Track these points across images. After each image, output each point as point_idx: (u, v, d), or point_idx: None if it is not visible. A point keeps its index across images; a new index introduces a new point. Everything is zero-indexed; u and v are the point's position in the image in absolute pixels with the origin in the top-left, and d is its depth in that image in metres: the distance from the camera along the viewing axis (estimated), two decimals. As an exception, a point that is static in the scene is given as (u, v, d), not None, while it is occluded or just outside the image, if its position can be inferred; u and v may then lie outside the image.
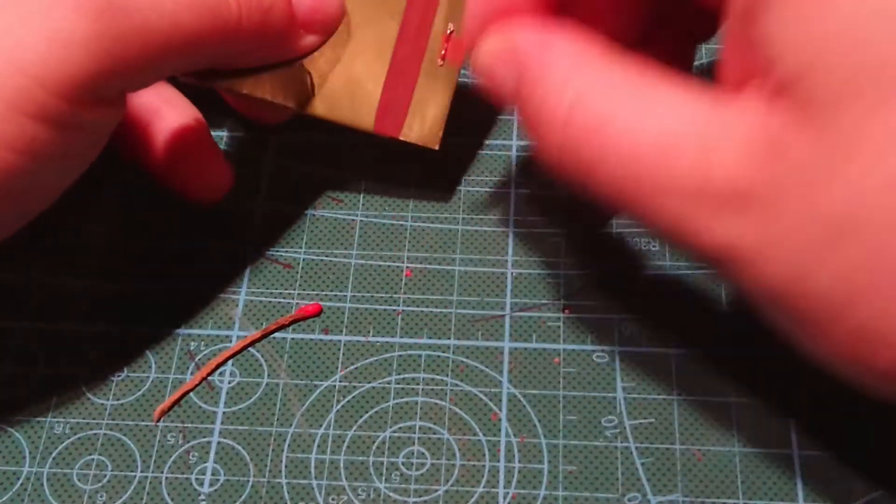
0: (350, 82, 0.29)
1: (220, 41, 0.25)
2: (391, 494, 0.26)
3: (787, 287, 0.21)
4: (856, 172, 0.19)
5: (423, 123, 0.30)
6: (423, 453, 0.27)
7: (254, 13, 0.26)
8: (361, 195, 0.32)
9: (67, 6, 0.22)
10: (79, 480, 0.27)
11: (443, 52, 0.30)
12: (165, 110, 0.30)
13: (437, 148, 0.30)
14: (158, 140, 0.30)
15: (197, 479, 0.27)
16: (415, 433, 0.27)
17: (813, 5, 0.19)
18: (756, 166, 0.20)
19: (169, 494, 0.27)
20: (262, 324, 0.29)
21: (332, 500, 0.26)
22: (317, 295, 0.30)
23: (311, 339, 0.29)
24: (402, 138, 0.30)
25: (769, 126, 0.20)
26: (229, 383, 0.28)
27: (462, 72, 0.30)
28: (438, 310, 0.30)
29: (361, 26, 0.30)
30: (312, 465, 0.27)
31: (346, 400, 0.28)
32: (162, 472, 0.27)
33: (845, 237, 0.19)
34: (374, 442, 0.27)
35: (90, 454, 0.27)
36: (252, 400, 0.28)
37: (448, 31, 0.29)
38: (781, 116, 0.20)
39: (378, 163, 0.32)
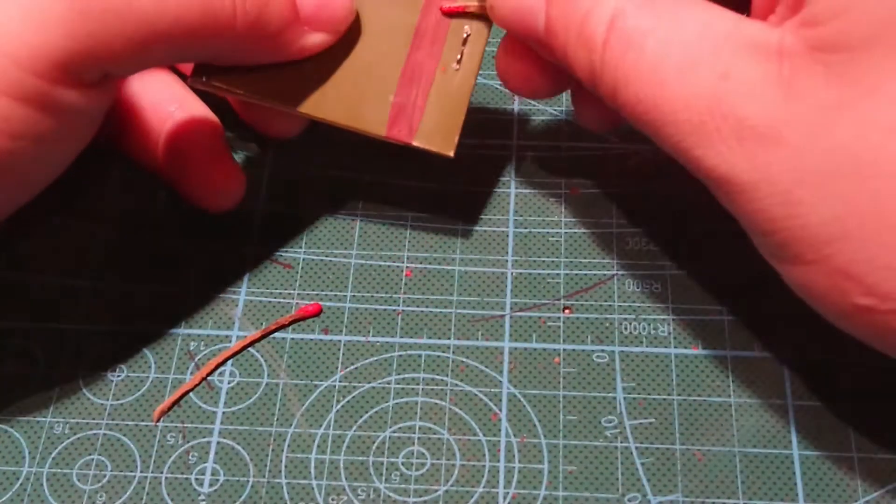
0: (361, 86, 0.29)
1: (211, 33, 0.25)
2: (391, 494, 0.26)
3: (776, 222, 0.22)
4: (867, 113, 0.20)
5: (438, 129, 0.28)
6: (423, 453, 0.27)
7: (250, 7, 0.25)
8: (361, 195, 0.32)
9: None
10: (78, 480, 0.27)
11: (458, 56, 0.29)
12: (180, 115, 0.30)
13: (451, 155, 0.29)
14: (172, 144, 0.30)
15: (197, 479, 0.27)
16: (415, 433, 0.27)
17: None
18: (768, 100, 0.21)
19: (169, 494, 0.27)
20: (262, 324, 0.29)
21: (332, 500, 0.26)
22: (317, 295, 0.30)
23: (311, 339, 0.29)
24: (415, 144, 0.29)
25: (790, 58, 0.21)
26: (229, 383, 0.28)
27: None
28: (438, 310, 0.30)
29: (374, 28, 0.29)
30: (312, 465, 0.27)
31: (346, 400, 0.28)
32: (162, 473, 0.27)
33: (844, 176, 0.20)
34: (374, 442, 0.27)
35: (90, 454, 0.27)
36: (252, 400, 0.28)
37: (465, 35, 0.29)
38: (804, 51, 0.21)
39: (378, 162, 0.32)
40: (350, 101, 0.28)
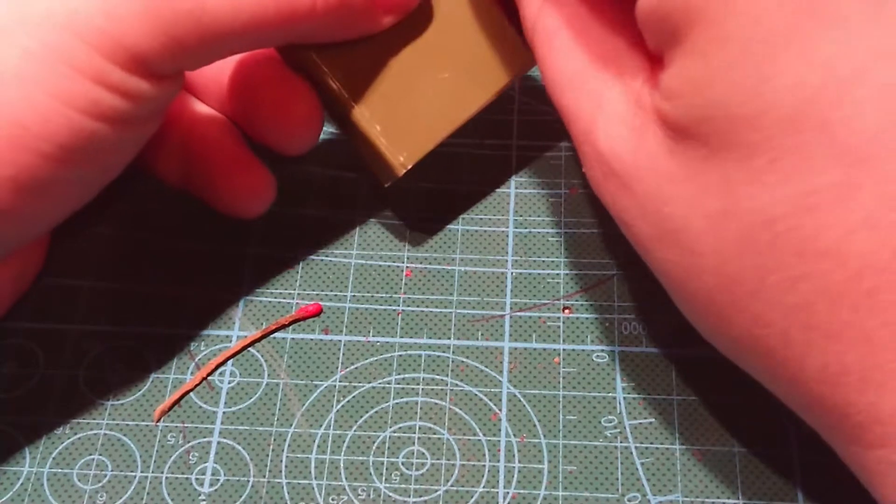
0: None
1: (290, 24, 0.25)
2: (391, 494, 0.26)
3: (640, 252, 0.23)
4: (690, 195, 0.21)
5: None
6: (423, 453, 0.27)
7: None
8: (361, 195, 0.32)
9: None
10: (79, 480, 0.27)
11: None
12: (198, 124, 0.29)
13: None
14: (195, 154, 0.29)
15: (197, 479, 0.27)
16: (415, 433, 0.27)
17: (707, 42, 0.20)
18: (622, 146, 0.22)
19: (169, 494, 0.27)
20: (262, 324, 0.29)
21: (332, 500, 0.26)
22: (317, 295, 0.30)
23: (311, 339, 0.29)
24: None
25: (643, 111, 0.22)
26: (229, 383, 0.28)
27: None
28: (438, 310, 0.30)
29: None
30: (312, 465, 0.27)
31: (346, 400, 0.28)
32: (162, 472, 0.27)
33: (676, 242, 0.22)
34: (374, 442, 0.27)
35: (90, 454, 0.27)
36: (252, 400, 0.28)
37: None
38: (654, 112, 0.22)
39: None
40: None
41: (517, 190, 0.32)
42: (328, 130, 0.30)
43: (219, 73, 0.29)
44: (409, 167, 0.28)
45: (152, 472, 0.27)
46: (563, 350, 0.29)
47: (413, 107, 0.28)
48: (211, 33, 0.23)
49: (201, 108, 0.30)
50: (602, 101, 0.23)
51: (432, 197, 0.32)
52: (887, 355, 0.19)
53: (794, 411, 0.22)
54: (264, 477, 0.27)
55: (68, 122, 0.22)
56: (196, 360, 0.29)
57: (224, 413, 0.28)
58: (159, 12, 0.22)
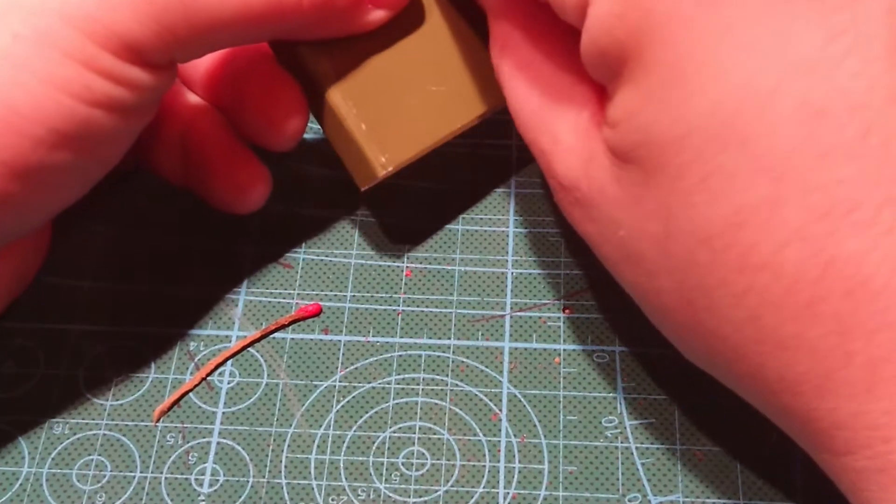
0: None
1: (277, 17, 0.25)
2: (391, 495, 0.26)
3: (611, 272, 0.24)
4: (637, 219, 0.22)
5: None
6: (423, 453, 0.27)
7: None
8: (361, 195, 0.32)
9: None
10: (78, 481, 0.27)
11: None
12: (195, 119, 0.29)
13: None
14: (192, 149, 0.29)
15: (196, 479, 0.27)
16: (415, 433, 0.27)
17: (633, 76, 0.21)
18: (577, 175, 0.23)
19: (168, 495, 0.27)
20: (261, 324, 0.29)
21: (332, 500, 0.26)
22: (317, 295, 0.30)
23: (311, 339, 0.29)
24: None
25: (590, 139, 0.23)
26: (229, 383, 0.28)
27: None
28: (438, 310, 0.30)
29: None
30: (312, 465, 0.27)
31: (346, 400, 0.28)
32: (161, 473, 0.27)
33: (634, 264, 0.23)
34: (374, 442, 0.27)
35: (89, 454, 0.27)
36: (252, 400, 0.28)
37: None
38: (601, 140, 0.23)
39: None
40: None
41: (517, 190, 0.32)
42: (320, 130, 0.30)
43: (212, 66, 0.29)
44: (390, 170, 0.27)
45: (151, 472, 0.27)
46: (564, 350, 0.29)
47: (400, 113, 0.27)
48: (200, 23, 0.23)
49: (199, 104, 0.30)
50: (557, 136, 0.24)
51: (432, 197, 0.32)
52: (832, 363, 0.20)
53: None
54: (264, 477, 0.27)
55: (60, 106, 0.22)
56: (195, 360, 0.29)
57: (224, 413, 0.28)
58: (150, 0, 0.23)
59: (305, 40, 0.27)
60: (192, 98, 0.30)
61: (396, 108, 0.28)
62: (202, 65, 0.29)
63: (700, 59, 0.20)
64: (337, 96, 0.27)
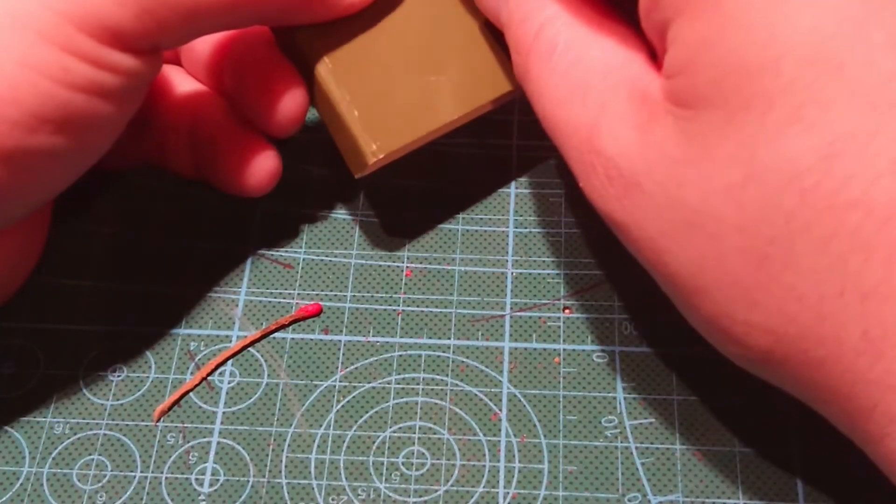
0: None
1: (260, 2, 0.25)
2: (391, 495, 0.26)
3: (650, 265, 0.22)
4: (706, 173, 0.20)
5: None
6: (423, 453, 0.27)
7: None
8: (361, 195, 0.32)
9: None
10: (78, 480, 0.27)
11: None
12: (199, 105, 0.29)
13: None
14: (199, 134, 0.29)
15: (197, 479, 0.27)
16: (415, 433, 0.27)
17: (705, 3, 0.20)
18: (628, 144, 0.21)
19: (169, 495, 0.27)
20: (262, 324, 0.29)
21: (332, 500, 0.26)
22: (317, 295, 0.30)
23: (311, 339, 0.29)
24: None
25: (650, 105, 0.21)
26: (229, 383, 0.28)
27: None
28: (438, 310, 0.30)
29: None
30: (312, 465, 0.27)
31: (346, 400, 0.28)
32: (162, 473, 0.27)
33: (694, 232, 0.20)
34: (374, 442, 0.27)
35: (90, 454, 0.27)
36: (252, 400, 0.28)
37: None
38: (661, 100, 0.21)
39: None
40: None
41: (517, 190, 0.32)
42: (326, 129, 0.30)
43: (212, 52, 0.29)
44: (381, 157, 0.27)
45: (152, 472, 0.27)
46: (564, 350, 0.29)
47: (395, 101, 0.27)
48: (183, 7, 0.23)
49: (202, 91, 0.30)
50: (607, 107, 0.22)
51: (432, 197, 0.32)
52: None
53: (817, 408, 0.22)
54: (264, 477, 0.27)
55: (36, 89, 0.22)
56: (196, 360, 0.29)
57: (224, 413, 0.28)
58: None
59: (301, 25, 0.27)
60: (196, 86, 0.30)
61: (392, 95, 0.27)
62: (203, 51, 0.29)
63: None
64: (331, 82, 0.27)
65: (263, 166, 0.29)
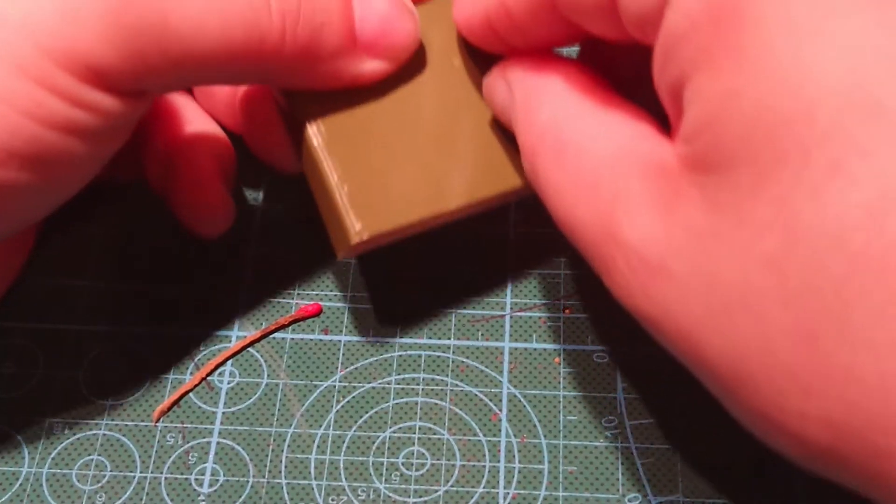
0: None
1: (256, 57, 0.23)
2: (391, 495, 0.26)
3: (687, 359, 0.20)
4: (740, 242, 0.18)
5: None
6: (423, 454, 0.27)
7: (301, 31, 0.23)
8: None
9: None
10: (78, 481, 0.27)
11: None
12: (180, 134, 0.29)
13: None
14: (166, 163, 0.29)
15: (196, 479, 0.27)
16: (415, 433, 0.27)
17: (727, 54, 0.18)
18: (651, 226, 0.19)
19: (168, 495, 0.27)
20: (261, 324, 0.29)
21: (332, 500, 0.26)
22: (317, 295, 0.30)
23: (311, 339, 0.29)
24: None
25: (671, 179, 0.20)
26: (229, 383, 0.28)
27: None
28: (439, 310, 0.30)
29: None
30: (312, 465, 0.27)
31: (346, 400, 0.28)
32: (161, 473, 0.27)
33: (734, 312, 0.18)
34: (373, 442, 0.27)
35: (89, 454, 0.27)
36: (252, 400, 0.28)
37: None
38: (682, 171, 0.19)
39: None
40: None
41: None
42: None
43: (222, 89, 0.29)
44: (365, 238, 0.25)
45: (151, 472, 0.27)
46: (564, 350, 0.29)
47: (391, 182, 0.25)
48: (175, 53, 0.22)
49: (192, 119, 0.29)
50: (620, 195, 0.20)
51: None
52: None
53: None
54: (264, 477, 0.27)
55: (6, 122, 0.21)
56: (195, 360, 0.29)
57: (223, 413, 0.28)
58: (119, 21, 0.21)
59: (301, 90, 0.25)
60: (188, 111, 0.30)
61: (387, 176, 0.25)
62: (155, 151, 0.29)
63: (817, 25, 0.17)
64: (322, 152, 0.25)
65: (211, 216, 0.28)
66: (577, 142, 0.22)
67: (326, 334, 0.29)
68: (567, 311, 0.29)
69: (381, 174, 0.25)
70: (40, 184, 0.23)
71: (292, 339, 0.29)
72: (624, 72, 0.24)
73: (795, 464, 0.19)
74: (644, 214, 0.20)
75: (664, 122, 0.21)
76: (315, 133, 0.25)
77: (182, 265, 0.30)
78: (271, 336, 0.29)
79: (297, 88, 0.25)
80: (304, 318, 0.30)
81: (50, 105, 0.21)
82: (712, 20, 0.18)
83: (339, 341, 0.29)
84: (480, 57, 0.26)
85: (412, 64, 0.26)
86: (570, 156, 0.22)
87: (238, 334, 0.29)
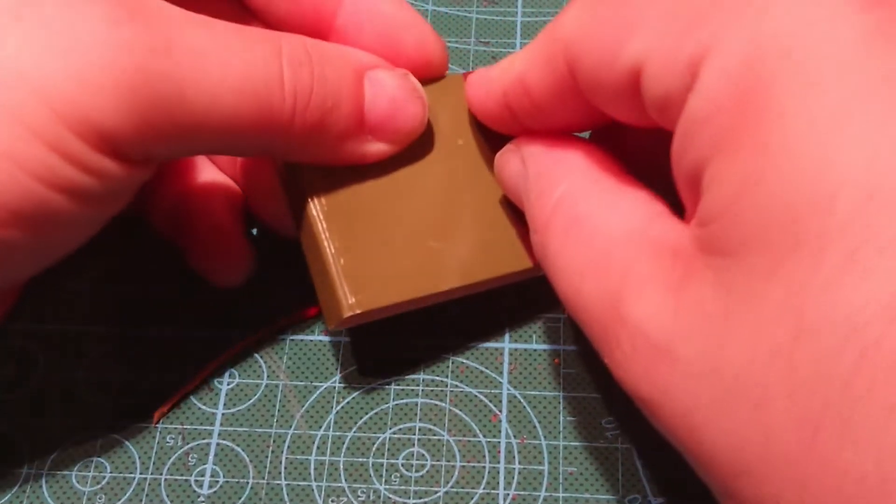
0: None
1: (265, 133, 0.23)
2: (391, 496, 0.26)
3: (683, 445, 0.20)
4: (751, 329, 0.18)
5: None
6: (423, 455, 0.27)
7: (312, 112, 0.23)
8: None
9: (104, 55, 0.21)
10: (77, 482, 0.27)
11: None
12: (192, 184, 0.29)
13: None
14: (180, 213, 0.29)
15: (196, 480, 0.27)
16: (415, 434, 0.27)
17: (749, 140, 0.18)
18: (659, 307, 0.19)
19: (168, 496, 0.27)
20: (261, 324, 0.29)
21: (332, 501, 0.26)
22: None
23: (311, 340, 0.29)
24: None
25: (684, 261, 0.19)
26: (229, 384, 0.28)
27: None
28: (438, 310, 0.30)
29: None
30: (312, 466, 0.27)
31: (346, 401, 0.28)
32: (161, 474, 0.27)
33: (737, 399, 0.18)
34: (373, 443, 0.27)
35: (89, 456, 0.27)
36: (251, 401, 0.28)
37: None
38: (696, 254, 0.19)
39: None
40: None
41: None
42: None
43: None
44: (358, 312, 0.24)
45: (151, 473, 0.27)
46: (564, 351, 0.29)
47: (386, 258, 0.25)
48: (187, 124, 0.22)
49: (201, 167, 0.30)
50: (630, 273, 0.20)
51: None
52: None
53: None
54: (264, 479, 0.27)
55: (16, 183, 0.21)
56: (196, 361, 0.29)
57: (223, 414, 0.28)
58: (136, 93, 0.21)
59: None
60: (197, 159, 0.30)
61: (386, 252, 0.25)
62: (165, 201, 0.29)
63: (843, 115, 0.17)
64: (321, 224, 0.25)
65: (232, 264, 0.29)
66: (591, 218, 0.22)
67: (326, 335, 0.29)
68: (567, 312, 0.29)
69: (378, 249, 0.25)
70: (38, 244, 0.23)
71: (292, 339, 0.29)
72: (635, 157, 0.24)
73: None
74: (653, 293, 0.20)
75: (677, 209, 0.21)
76: (315, 203, 0.25)
77: (182, 266, 0.30)
78: (271, 337, 0.29)
79: (302, 163, 0.25)
80: (304, 319, 0.30)
81: (60, 170, 0.21)
82: (736, 107, 0.18)
83: (339, 342, 0.29)
84: (488, 137, 0.27)
85: (418, 142, 0.26)
86: (582, 231, 0.22)
87: (238, 335, 0.29)
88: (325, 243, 0.25)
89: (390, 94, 0.25)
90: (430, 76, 0.26)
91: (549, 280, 0.23)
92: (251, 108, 0.22)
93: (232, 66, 0.22)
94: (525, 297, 0.30)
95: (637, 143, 0.25)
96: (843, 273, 0.16)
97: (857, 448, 0.16)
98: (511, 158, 0.25)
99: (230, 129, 0.22)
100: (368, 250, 0.25)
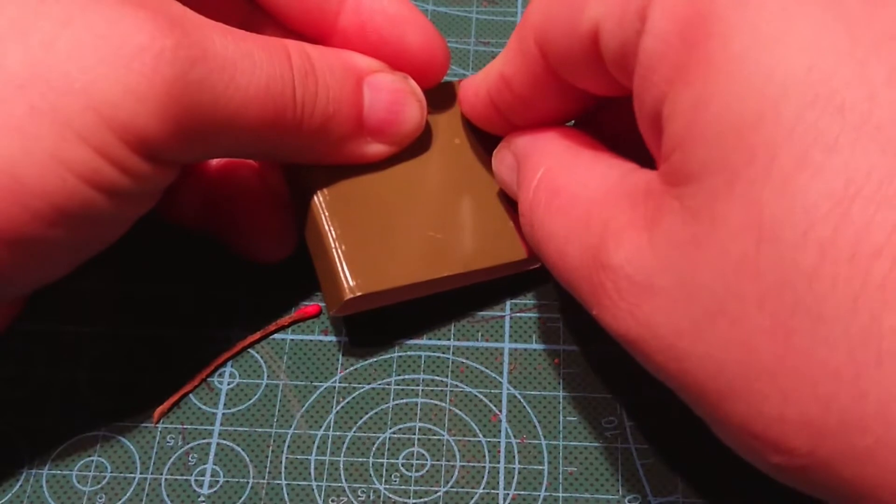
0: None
1: (278, 137, 0.25)
2: (391, 496, 0.26)
3: (672, 380, 0.20)
4: (717, 247, 0.18)
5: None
6: (423, 454, 0.27)
7: (315, 117, 0.25)
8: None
9: (148, 64, 0.22)
10: (78, 482, 0.27)
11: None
12: (223, 167, 0.30)
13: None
14: (217, 198, 0.29)
15: (196, 480, 0.27)
16: (415, 434, 0.27)
17: (697, 67, 0.18)
18: (636, 246, 0.20)
19: (168, 496, 0.27)
20: (261, 324, 0.29)
21: (332, 501, 0.26)
22: (317, 295, 0.30)
23: (311, 340, 0.29)
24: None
25: (653, 198, 0.20)
26: (229, 384, 0.28)
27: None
28: (439, 310, 0.30)
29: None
30: (312, 466, 0.27)
31: (346, 401, 0.28)
32: (161, 474, 0.27)
33: (715, 319, 0.18)
34: (373, 443, 0.27)
35: (89, 455, 0.27)
36: (252, 401, 0.28)
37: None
38: (663, 188, 0.20)
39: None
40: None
41: (517, 190, 0.32)
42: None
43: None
44: (358, 295, 0.25)
45: (151, 473, 0.27)
46: (564, 351, 0.29)
47: (387, 247, 0.26)
48: (216, 129, 0.23)
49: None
50: (609, 224, 0.21)
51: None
52: None
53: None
54: (264, 478, 0.27)
55: (64, 184, 0.22)
56: (196, 360, 0.29)
57: (223, 414, 0.28)
58: (177, 101, 0.22)
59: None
60: None
61: (386, 241, 0.26)
62: (197, 188, 0.30)
63: (781, 27, 0.18)
64: (324, 213, 0.26)
65: (281, 237, 0.29)
66: (569, 186, 0.23)
67: (326, 335, 0.29)
68: (567, 311, 0.29)
69: (379, 238, 0.26)
70: (76, 243, 0.24)
71: (292, 339, 0.29)
72: (615, 140, 0.25)
73: (782, 482, 0.19)
74: (630, 236, 0.20)
75: (650, 166, 0.22)
76: (318, 196, 0.26)
77: (182, 265, 0.30)
78: (271, 337, 0.29)
79: (307, 163, 0.27)
80: (303, 319, 0.30)
81: (104, 171, 0.22)
82: (683, 38, 0.19)
83: (339, 342, 0.29)
84: (481, 138, 0.29)
85: (417, 141, 0.27)
86: (563, 200, 0.23)
87: (238, 335, 0.29)
88: (327, 230, 0.26)
89: (388, 98, 0.26)
90: (432, 73, 0.28)
91: (537, 254, 0.25)
92: (269, 115, 0.24)
93: (255, 75, 0.23)
94: (525, 297, 0.30)
95: (616, 127, 0.27)
96: (795, 173, 0.17)
97: (828, 344, 0.17)
98: (504, 154, 0.27)
99: (250, 133, 0.24)
100: (369, 238, 0.26)
